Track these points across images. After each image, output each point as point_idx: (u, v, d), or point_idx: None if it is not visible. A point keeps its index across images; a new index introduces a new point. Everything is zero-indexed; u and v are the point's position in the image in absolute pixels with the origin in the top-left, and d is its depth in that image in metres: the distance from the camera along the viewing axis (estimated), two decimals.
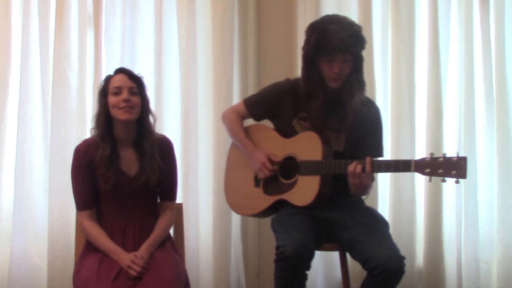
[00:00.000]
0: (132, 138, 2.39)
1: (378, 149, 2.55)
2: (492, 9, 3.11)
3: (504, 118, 3.11)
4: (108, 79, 2.38)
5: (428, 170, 2.17)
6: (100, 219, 2.38)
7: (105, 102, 2.34)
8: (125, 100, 2.30)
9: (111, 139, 2.35)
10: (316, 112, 2.45)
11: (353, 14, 3.16)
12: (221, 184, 2.77)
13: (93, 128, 2.39)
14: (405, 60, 3.14)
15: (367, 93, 2.56)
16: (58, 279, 2.97)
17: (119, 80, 2.34)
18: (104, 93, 2.35)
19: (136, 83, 2.36)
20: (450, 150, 3.10)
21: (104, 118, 2.34)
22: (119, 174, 2.34)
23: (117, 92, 2.31)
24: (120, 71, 2.39)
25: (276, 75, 3.03)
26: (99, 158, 2.32)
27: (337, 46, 2.31)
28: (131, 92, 2.33)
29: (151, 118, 2.42)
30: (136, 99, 2.34)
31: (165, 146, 2.46)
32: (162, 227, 2.41)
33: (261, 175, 2.53)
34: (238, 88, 3.32)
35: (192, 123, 3.16)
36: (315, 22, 2.46)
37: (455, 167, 2.12)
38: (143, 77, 2.42)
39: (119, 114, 2.31)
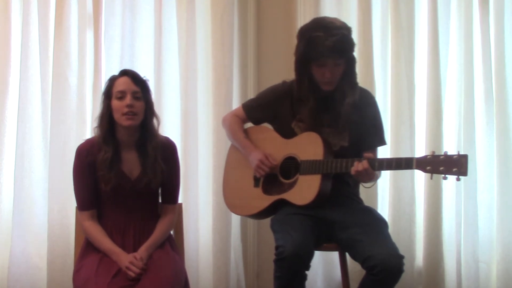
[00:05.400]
0: (135, 140, 2.38)
1: (380, 138, 2.56)
2: (492, 10, 3.11)
3: (503, 118, 3.11)
4: (112, 81, 2.35)
5: (430, 167, 2.20)
6: (100, 220, 2.38)
7: (109, 105, 2.32)
8: (128, 106, 2.28)
9: (113, 141, 2.34)
10: (307, 115, 2.46)
11: (353, 15, 3.17)
12: (221, 185, 2.77)
13: (96, 127, 2.37)
14: (405, 61, 3.14)
15: None
16: (57, 279, 2.97)
17: (123, 83, 2.32)
18: (108, 95, 2.34)
19: (140, 87, 2.33)
20: (450, 150, 3.07)
21: (107, 120, 2.33)
22: (120, 176, 2.34)
23: (121, 97, 2.30)
24: (125, 73, 2.36)
25: (275, 75, 3.03)
26: (100, 160, 2.31)
27: (324, 53, 2.32)
28: (135, 97, 2.31)
29: (155, 121, 2.41)
30: (139, 104, 2.32)
31: (168, 149, 2.45)
32: (162, 229, 2.41)
33: (260, 172, 2.52)
34: (238, 88, 3.32)
35: (191, 123, 3.16)
36: (303, 27, 2.46)
37: (456, 165, 2.15)
38: (148, 80, 2.40)
39: (122, 120, 2.30)
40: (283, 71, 3.25)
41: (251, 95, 3.16)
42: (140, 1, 3.18)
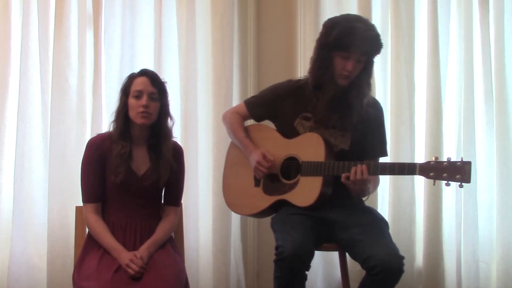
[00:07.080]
0: (146, 137, 2.42)
1: (382, 149, 2.58)
2: (492, 9, 3.11)
3: (503, 118, 3.10)
4: (131, 79, 2.40)
5: (433, 173, 2.20)
6: (103, 215, 2.39)
7: (125, 102, 2.37)
8: (144, 106, 2.33)
9: (129, 136, 2.38)
10: (322, 106, 2.45)
11: None
12: (221, 185, 2.77)
13: (112, 122, 2.41)
14: (405, 60, 3.14)
15: None
16: (57, 279, 2.97)
17: (141, 83, 2.36)
18: (125, 92, 2.38)
19: (157, 89, 2.38)
20: (450, 150, 3.10)
21: (123, 116, 2.38)
22: (128, 172, 2.37)
23: (138, 96, 2.35)
24: (144, 73, 2.40)
25: (275, 75, 3.03)
26: (116, 154, 2.34)
27: (359, 44, 2.33)
28: (151, 97, 2.35)
29: (169, 122, 2.44)
30: (155, 105, 2.37)
31: (176, 153, 2.48)
32: (164, 230, 2.42)
33: (258, 174, 2.53)
34: (238, 88, 3.32)
35: (191, 123, 3.16)
36: (338, 17, 2.46)
37: (459, 172, 2.15)
38: (166, 82, 2.45)
39: (136, 118, 2.35)
40: (283, 70, 3.27)
41: (251, 95, 3.16)
42: (140, 1, 3.18)
